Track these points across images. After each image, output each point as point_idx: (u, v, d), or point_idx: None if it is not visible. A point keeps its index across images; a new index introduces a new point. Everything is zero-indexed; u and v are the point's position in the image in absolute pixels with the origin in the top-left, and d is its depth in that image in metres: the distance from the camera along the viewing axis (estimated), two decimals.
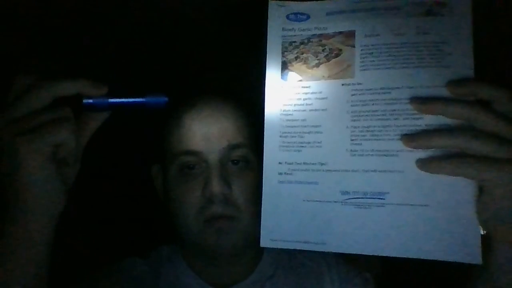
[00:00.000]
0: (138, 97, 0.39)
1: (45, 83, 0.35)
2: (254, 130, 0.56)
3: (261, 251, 0.62)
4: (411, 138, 0.37)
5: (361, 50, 0.41)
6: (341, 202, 0.40)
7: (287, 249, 0.62)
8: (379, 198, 0.39)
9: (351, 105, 0.40)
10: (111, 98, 0.39)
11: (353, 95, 0.40)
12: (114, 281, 0.58)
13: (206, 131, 0.52)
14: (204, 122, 0.53)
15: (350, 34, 0.42)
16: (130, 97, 0.39)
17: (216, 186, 0.50)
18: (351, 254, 0.39)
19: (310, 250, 0.62)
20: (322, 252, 0.62)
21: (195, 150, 0.52)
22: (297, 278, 0.59)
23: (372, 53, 0.40)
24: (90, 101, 0.38)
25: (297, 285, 0.58)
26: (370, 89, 0.40)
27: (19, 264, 0.36)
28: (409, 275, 0.82)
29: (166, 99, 0.40)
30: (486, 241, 0.36)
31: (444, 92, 0.37)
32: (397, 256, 0.38)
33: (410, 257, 0.37)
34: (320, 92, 0.42)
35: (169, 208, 0.57)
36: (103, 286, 0.57)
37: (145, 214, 0.88)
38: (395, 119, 0.38)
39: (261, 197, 0.42)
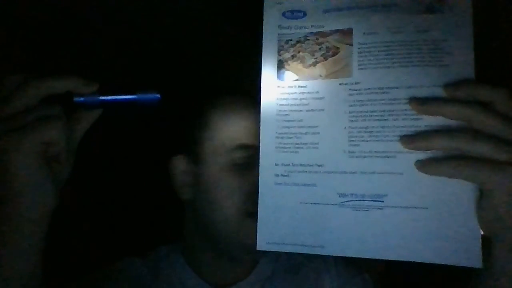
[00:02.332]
0: (130, 94, 0.39)
1: (34, 81, 0.35)
2: None
3: (260, 251, 0.61)
4: (410, 139, 0.36)
5: (359, 48, 0.40)
6: (339, 204, 0.39)
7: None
8: (377, 201, 0.38)
9: (349, 105, 0.39)
10: (102, 96, 0.39)
11: (350, 95, 0.39)
12: (112, 281, 0.58)
13: (257, 128, 0.53)
14: (254, 120, 0.53)
15: (348, 32, 0.41)
16: (121, 95, 0.39)
17: None
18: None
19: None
20: None
21: (250, 144, 0.53)
22: (296, 278, 0.59)
23: (370, 51, 0.39)
24: (81, 99, 0.38)
25: (296, 286, 0.58)
26: (368, 89, 0.39)
27: (11, 263, 0.35)
28: (408, 276, 0.82)
29: (158, 96, 0.40)
30: (486, 244, 0.35)
31: (444, 92, 0.36)
32: (396, 259, 0.37)
33: (409, 260, 0.37)
34: (317, 92, 0.41)
35: (200, 200, 0.55)
36: (101, 286, 0.57)
37: (144, 214, 0.88)
38: (394, 119, 0.38)
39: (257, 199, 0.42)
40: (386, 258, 0.37)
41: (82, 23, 0.61)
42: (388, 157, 0.38)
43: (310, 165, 0.40)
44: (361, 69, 0.39)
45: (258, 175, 0.50)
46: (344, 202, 0.39)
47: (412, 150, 0.36)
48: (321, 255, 0.61)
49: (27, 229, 0.36)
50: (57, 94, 0.36)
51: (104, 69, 0.67)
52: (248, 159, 0.53)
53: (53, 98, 0.36)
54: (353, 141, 0.39)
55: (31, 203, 0.35)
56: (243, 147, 0.53)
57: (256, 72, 0.43)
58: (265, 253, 0.54)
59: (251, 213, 0.51)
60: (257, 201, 0.50)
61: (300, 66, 0.41)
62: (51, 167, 0.37)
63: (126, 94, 0.39)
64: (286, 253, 0.62)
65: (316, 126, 0.40)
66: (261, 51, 0.42)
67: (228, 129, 0.55)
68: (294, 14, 0.42)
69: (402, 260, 0.37)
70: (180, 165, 0.59)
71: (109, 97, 0.39)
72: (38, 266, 0.37)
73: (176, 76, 0.74)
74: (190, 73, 0.74)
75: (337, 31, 0.41)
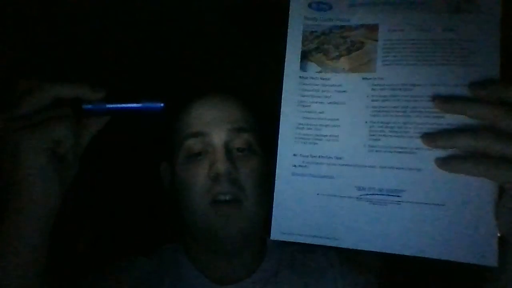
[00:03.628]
0: (135, 103, 0.42)
1: (45, 85, 0.37)
2: (258, 121, 0.59)
3: (263, 250, 0.62)
4: (432, 137, 0.36)
5: (384, 44, 0.40)
6: (356, 197, 0.39)
7: (289, 249, 0.62)
8: (395, 195, 0.38)
9: (371, 100, 0.39)
10: (109, 104, 0.41)
11: (373, 89, 0.40)
12: (117, 280, 0.57)
13: (212, 116, 0.55)
14: (211, 109, 0.56)
15: (373, 28, 0.41)
16: (127, 103, 0.41)
17: (221, 166, 0.52)
18: (360, 251, 0.39)
19: (313, 251, 0.62)
20: (325, 252, 0.62)
21: (201, 131, 0.54)
22: (299, 277, 0.59)
23: (395, 48, 0.39)
24: (89, 106, 0.40)
25: (299, 285, 0.58)
26: (392, 85, 0.39)
27: (15, 262, 0.36)
28: (409, 277, 0.82)
29: (161, 104, 0.42)
30: (503, 244, 0.36)
31: (468, 91, 0.36)
32: (410, 254, 0.37)
33: (424, 256, 0.37)
34: (340, 85, 0.41)
35: (177, 198, 0.57)
36: (106, 285, 0.57)
37: (148, 213, 0.88)
38: (416, 116, 0.38)
39: (273, 188, 0.41)
40: (401, 253, 0.38)
41: (90, 29, 0.61)
42: (407, 153, 0.38)
43: (329, 157, 0.40)
44: (385, 65, 0.40)
45: (217, 163, 0.52)
46: (362, 195, 0.39)
47: (432, 148, 0.37)
48: (325, 255, 0.62)
49: (30, 227, 0.36)
50: (66, 99, 0.38)
51: (110, 78, 0.67)
52: (202, 147, 0.55)
53: (63, 103, 0.38)
54: (373, 135, 0.39)
55: (35, 201, 0.36)
56: (193, 134, 0.55)
57: (279, 63, 0.42)
58: (246, 244, 0.55)
59: (217, 202, 0.52)
60: (225, 189, 0.52)
61: (323, 58, 0.41)
62: (58, 167, 0.37)
63: (131, 103, 0.41)
64: (289, 253, 0.62)
65: (337, 119, 0.40)
66: (286, 41, 0.42)
67: (182, 121, 0.57)
68: (320, 6, 0.42)
69: (417, 256, 0.37)
70: (165, 171, 0.62)
71: (115, 105, 0.41)
72: (41, 265, 0.38)
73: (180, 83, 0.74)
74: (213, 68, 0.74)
75: (362, 26, 0.41)
